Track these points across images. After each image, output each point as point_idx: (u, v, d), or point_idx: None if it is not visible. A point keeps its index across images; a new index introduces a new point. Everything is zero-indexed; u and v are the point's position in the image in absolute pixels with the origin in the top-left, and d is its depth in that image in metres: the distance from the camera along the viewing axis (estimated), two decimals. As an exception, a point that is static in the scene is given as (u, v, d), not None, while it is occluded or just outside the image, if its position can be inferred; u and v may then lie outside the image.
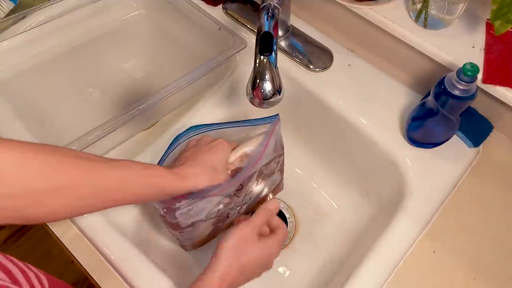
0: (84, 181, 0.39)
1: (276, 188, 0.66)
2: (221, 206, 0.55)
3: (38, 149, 0.37)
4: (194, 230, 0.57)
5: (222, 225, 0.61)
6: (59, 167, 0.37)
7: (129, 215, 0.60)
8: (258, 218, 0.50)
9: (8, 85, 0.71)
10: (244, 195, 0.58)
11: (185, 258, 0.69)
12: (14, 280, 0.35)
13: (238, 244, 0.46)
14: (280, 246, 0.51)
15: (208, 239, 0.63)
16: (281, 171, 0.64)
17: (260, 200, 0.64)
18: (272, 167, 0.60)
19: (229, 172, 0.54)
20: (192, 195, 0.50)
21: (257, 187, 0.60)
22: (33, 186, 0.35)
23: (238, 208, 0.60)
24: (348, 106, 0.67)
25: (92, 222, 0.57)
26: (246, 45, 0.68)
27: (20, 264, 0.38)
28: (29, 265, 0.39)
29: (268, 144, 0.55)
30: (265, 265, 0.50)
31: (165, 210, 0.51)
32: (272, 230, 0.51)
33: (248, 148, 0.55)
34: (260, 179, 0.58)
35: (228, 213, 0.59)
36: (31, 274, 0.38)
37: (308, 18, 0.76)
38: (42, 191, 0.36)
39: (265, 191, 0.63)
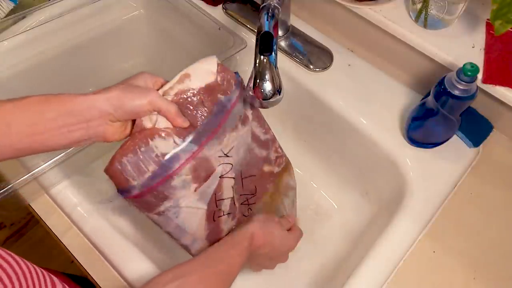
0: None
1: (276, 155, 0.58)
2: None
3: None
4: (178, 213, 0.48)
5: (219, 225, 0.53)
6: None
7: (129, 216, 0.61)
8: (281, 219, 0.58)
9: (8, 84, 0.71)
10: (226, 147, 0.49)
11: (186, 258, 0.69)
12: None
13: (265, 221, 0.54)
14: (296, 242, 0.58)
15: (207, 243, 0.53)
16: (261, 122, 0.55)
17: (260, 177, 0.57)
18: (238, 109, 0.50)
19: (172, 98, 0.45)
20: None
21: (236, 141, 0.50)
22: None
23: (234, 188, 0.52)
24: (348, 106, 0.67)
25: (92, 223, 0.57)
26: (246, 45, 0.68)
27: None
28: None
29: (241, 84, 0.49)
30: (282, 254, 0.56)
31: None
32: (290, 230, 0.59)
33: (190, 69, 0.47)
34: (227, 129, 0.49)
35: (223, 200, 0.51)
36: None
37: (308, 18, 0.76)
38: None
39: (259, 153, 0.54)
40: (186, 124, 0.45)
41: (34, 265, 0.36)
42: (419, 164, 0.61)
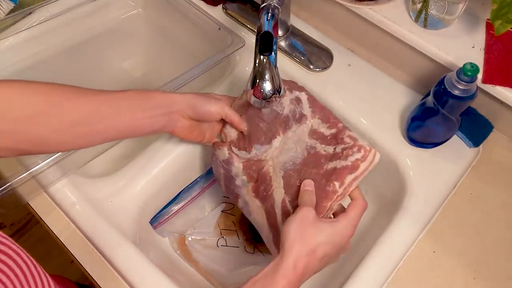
0: (69, 104, 0.44)
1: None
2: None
3: (34, 82, 0.43)
4: (249, 210, 0.55)
5: (278, 229, 0.51)
6: (53, 92, 0.44)
7: (128, 214, 0.60)
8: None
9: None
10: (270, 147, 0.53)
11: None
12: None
13: (302, 229, 0.44)
14: (353, 225, 0.47)
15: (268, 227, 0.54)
16: (324, 117, 0.54)
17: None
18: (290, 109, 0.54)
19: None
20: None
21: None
22: (32, 109, 0.42)
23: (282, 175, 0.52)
24: (348, 106, 0.67)
25: (91, 221, 0.57)
26: (244, 44, 0.68)
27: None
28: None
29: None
30: (339, 247, 0.46)
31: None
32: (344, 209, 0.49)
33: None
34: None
35: (271, 187, 0.52)
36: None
37: (308, 18, 0.76)
38: (40, 112, 0.42)
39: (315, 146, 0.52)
40: (246, 129, 0.55)
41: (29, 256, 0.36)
42: (419, 164, 0.61)
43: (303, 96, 0.55)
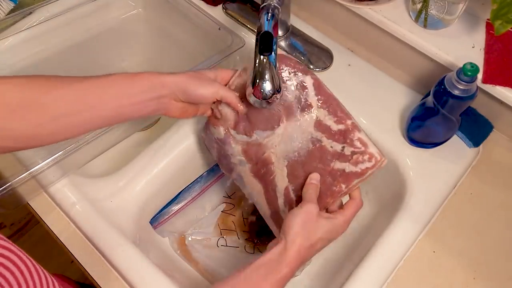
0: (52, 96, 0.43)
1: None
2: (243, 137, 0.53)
3: (13, 77, 0.42)
4: (244, 183, 0.57)
5: (278, 211, 0.54)
6: (29, 86, 0.42)
7: (128, 214, 0.60)
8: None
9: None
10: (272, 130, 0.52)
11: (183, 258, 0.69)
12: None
13: (305, 224, 0.47)
14: (348, 222, 0.50)
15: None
16: (332, 109, 0.51)
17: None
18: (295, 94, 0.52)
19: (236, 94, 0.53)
20: None
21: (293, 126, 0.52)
22: (9, 105, 0.40)
23: (284, 163, 0.53)
24: (348, 106, 0.66)
25: (91, 221, 0.57)
26: (245, 44, 0.68)
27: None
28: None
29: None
30: (332, 239, 0.50)
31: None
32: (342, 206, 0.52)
33: (247, 64, 0.52)
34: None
35: (272, 166, 0.53)
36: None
37: (308, 18, 0.76)
38: (17, 108, 0.41)
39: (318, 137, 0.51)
40: (245, 109, 0.53)
41: (34, 261, 0.36)
42: (419, 164, 0.61)
43: (309, 81, 0.52)
